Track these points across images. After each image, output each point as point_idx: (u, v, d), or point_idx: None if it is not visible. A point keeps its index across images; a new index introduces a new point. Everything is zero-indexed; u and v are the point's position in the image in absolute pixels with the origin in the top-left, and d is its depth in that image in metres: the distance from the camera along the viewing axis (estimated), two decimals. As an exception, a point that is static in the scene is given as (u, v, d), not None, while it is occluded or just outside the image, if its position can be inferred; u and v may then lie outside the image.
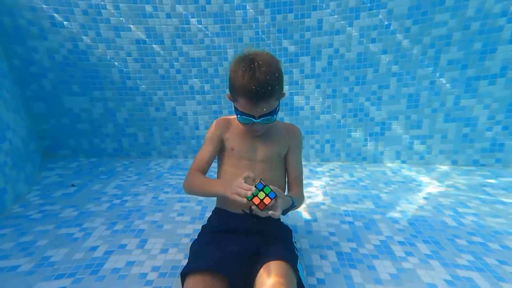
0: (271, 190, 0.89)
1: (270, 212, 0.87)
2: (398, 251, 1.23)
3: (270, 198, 0.88)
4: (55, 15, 1.84)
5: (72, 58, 1.97)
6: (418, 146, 2.15)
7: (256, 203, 0.87)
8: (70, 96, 2.07)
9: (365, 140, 2.21)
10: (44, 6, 1.81)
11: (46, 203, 1.54)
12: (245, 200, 0.86)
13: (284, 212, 0.98)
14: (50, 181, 1.81)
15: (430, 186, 1.84)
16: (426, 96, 2.01)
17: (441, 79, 1.95)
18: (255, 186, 0.88)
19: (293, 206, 1.00)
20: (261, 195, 0.88)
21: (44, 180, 1.82)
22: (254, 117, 0.95)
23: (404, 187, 1.83)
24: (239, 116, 0.98)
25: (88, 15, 1.89)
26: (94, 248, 1.19)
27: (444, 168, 2.10)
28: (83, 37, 1.93)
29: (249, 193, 0.86)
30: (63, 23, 1.88)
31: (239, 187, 0.88)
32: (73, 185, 1.76)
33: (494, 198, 1.66)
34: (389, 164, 2.20)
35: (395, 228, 1.39)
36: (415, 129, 2.11)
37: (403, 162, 2.20)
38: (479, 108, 1.96)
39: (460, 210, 1.55)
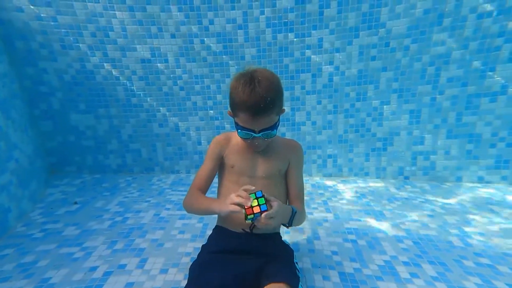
0: (265, 203, 0.89)
1: (263, 216, 0.87)
2: (403, 272, 1.20)
3: (260, 209, 0.88)
4: (65, 37, 1.92)
5: (80, 77, 2.04)
6: (421, 162, 2.13)
7: (247, 212, 0.88)
8: (77, 114, 2.12)
9: (367, 155, 2.20)
10: (55, 30, 1.89)
11: (49, 221, 1.55)
12: (238, 208, 0.87)
13: (285, 222, 0.97)
14: (54, 198, 1.82)
15: (434, 203, 1.81)
16: (427, 112, 2.02)
17: (442, 95, 1.96)
18: (254, 194, 0.89)
19: (294, 213, 0.99)
20: (254, 203, 0.88)
21: (48, 197, 1.84)
22: (254, 132, 0.95)
23: (408, 203, 1.81)
24: (239, 131, 0.98)
25: (96, 37, 1.96)
26: (93, 269, 1.18)
27: (449, 184, 2.07)
28: (91, 57, 2.00)
29: (243, 200, 0.87)
30: (72, 45, 1.95)
31: (236, 196, 0.89)
32: (75, 203, 1.77)
33: (502, 218, 1.62)
34: (392, 180, 2.18)
35: (399, 248, 1.36)
36: (418, 145, 2.11)
37: (406, 178, 2.18)
38: (481, 124, 1.96)
39: (466, 229, 1.52)
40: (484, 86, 1.89)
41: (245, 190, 0.90)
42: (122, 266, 1.21)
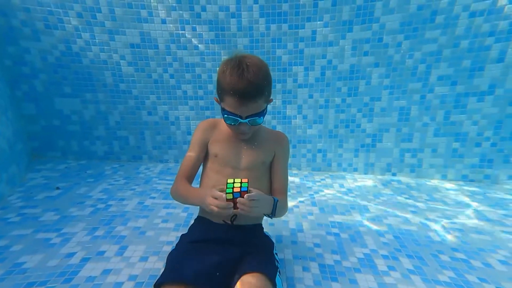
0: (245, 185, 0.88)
1: (245, 196, 0.86)
2: (381, 265, 1.21)
3: (240, 189, 0.87)
4: (49, 16, 1.85)
5: (65, 60, 1.97)
6: (409, 159, 2.16)
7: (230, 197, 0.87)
8: (62, 98, 2.06)
9: (357, 151, 2.21)
10: (38, 7, 1.81)
11: (27, 205, 1.51)
12: (216, 210, 0.86)
13: (267, 211, 0.97)
14: (35, 183, 1.78)
15: (419, 199, 1.83)
16: (417, 109, 2.03)
17: (431, 94, 1.97)
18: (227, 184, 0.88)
19: (275, 203, 0.98)
20: (236, 184, 0.88)
21: (29, 181, 1.79)
22: (241, 117, 0.94)
23: (393, 199, 1.83)
24: (225, 116, 0.96)
25: (83, 18, 1.89)
26: (70, 255, 1.16)
27: (434, 182, 2.11)
28: (77, 39, 1.94)
29: (223, 204, 0.86)
30: (57, 25, 1.88)
31: (212, 196, 0.87)
32: (58, 188, 1.73)
33: (481, 215, 1.66)
34: (380, 176, 2.20)
35: (380, 242, 1.38)
36: (406, 142, 2.12)
37: (394, 174, 2.20)
38: (468, 124, 1.98)
39: (446, 225, 1.54)
40: (472, 86, 1.90)
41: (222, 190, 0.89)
42: (101, 253, 1.19)
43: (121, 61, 2.04)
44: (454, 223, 1.57)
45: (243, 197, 0.87)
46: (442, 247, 1.34)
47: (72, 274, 1.06)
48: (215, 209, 0.86)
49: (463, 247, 1.35)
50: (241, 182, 0.88)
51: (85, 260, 1.14)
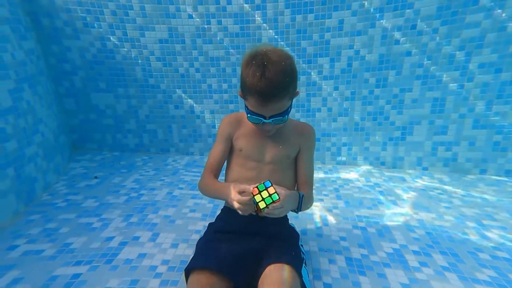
0: (270, 195, 0.86)
1: (270, 207, 0.86)
2: (412, 260, 1.17)
3: (265, 203, 0.85)
4: (87, 15, 1.96)
5: (100, 56, 2.09)
6: (442, 153, 2.04)
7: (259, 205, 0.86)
8: (97, 93, 2.20)
9: (384, 144, 2.13)
10: (78, 7, 1.93)
11: (70, 192, 1.65)
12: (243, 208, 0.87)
13: (294, 208, 0.96)
14: (76, 172, 1.93)
15: (453, 195, 1.74)
16: (452, 100, 1.90)
17: (470, 83, 1.83)
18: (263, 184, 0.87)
19: (301, 198, 0.98)
20: (258, 198, 0.86)
21: (71, 171, 1.95)
22: (264, 117, 0.92)
23: (424, 194, 1.75)
24: (249, 115, 0.96)
25: (116, 15, 1.99)
26: (110, 239, 1.26)
27: (471, 177, 1.97)
28: (111, 36, 2.04)
29: (249, 210, 0.86)
30: (94, 24, 1.99)
31: (238, 202, 0.87)
32: (96, 177, 1.87)
33: (526, 213, 1.53)
34: (410, 171, 2.10)
35: (410, 237, 1.33)
36: (440, 135, 2.00)
37: (425, 169, 2.10)
38: (513, 114, 1.82)
39: (485, 222, 1.45)
40: (520, 73, 1.74)
41: (244, 191, 0.88)
42: (136, 238, 1.27)
43: (150, 56, 2.12)
44: (495, 220, 1.47)
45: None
46: (480, 245, 1.27)
47: (112, 256, 1.15)
48: (238, 206, 0.87)
49: (505, 245, 1.26)
50: (264, 197, 0.86)
51: (123, 244, 1.23)
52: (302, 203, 0.99)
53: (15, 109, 1.44)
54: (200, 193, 1.09)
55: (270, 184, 0.87)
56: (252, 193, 0.86)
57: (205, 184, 1.05)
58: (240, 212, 0.88)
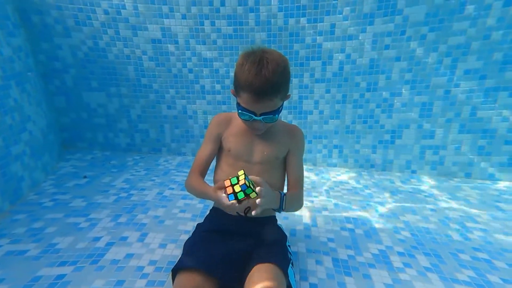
0: (247, 185, 0.85)
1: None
2: (397, 261, 1.20)
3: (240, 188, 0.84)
4: (79, 13, 1.95)
5: (92, 55, 2.07)
6: (430, 156, 2.08)
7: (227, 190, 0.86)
8: (89, 92, 2.18)
9: (374, 147, 2.16)
10: (69, 5, 1.92)
11: (58, 192, 1.63)
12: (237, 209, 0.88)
13: (274, 206, 0.97)
14: (65, 171, 1.91)
15: (439, 198, 1.78)
16: (440, 105, 1.95)
17: (457, 88, 1.88)
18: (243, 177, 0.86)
19: (282, 197, 0.98)
20: (237, 188, 0.85)
21: (60, 170, 1.93)
22: (255, 114, 0.92)
23: (411, 197, 1.78)
24: (240, 111, 0.96)
25: (109, 14, 1.98)
26: (97, 239, 1.25)
27: (457, 180, 2.03)
28: (103, 35, 2.03)
29: (228, 202, 0.86)
30: (85, 22, 1.98)
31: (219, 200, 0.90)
32: (85, 177, 1.85)
33: (507, 215, 1.58)
34: (398, 173, 2.14)
35: (396, 238, 1.36)
36: (428, 139, 2.05)
37: (413, 172, 2.14)
38: (497, 120, 1.88)
39: (468, 224, 1.49)
40: (504, 80, 1.79)
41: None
42: (124, 238, 1.27)
43: (143, 56, 2.11)
44: (477, 222, 1.51)
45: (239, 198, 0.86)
46: (462, 246, 1.31)
47: (98, 256, 1.14)
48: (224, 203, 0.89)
49: (486, 247, 1.30)
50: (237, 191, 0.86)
51: (110, 244, 1.22)
52: (284, 202, 0.99)
53: (1, 106, 1.42)
54: (187, 191, 1.09)
55: (235, 181, 0.86)
56: (225, 185, 0.86)
57: (191, 183, 1.06)
58: (227, 211, 0.88)
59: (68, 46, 2.02)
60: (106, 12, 1.96)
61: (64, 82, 2.13)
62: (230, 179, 0.86)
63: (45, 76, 2.07)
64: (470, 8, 1.71)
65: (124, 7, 1.96)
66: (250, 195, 0.86)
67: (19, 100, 1.59)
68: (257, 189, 0.87)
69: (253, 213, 0.89)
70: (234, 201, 0.85)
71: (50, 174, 1.84)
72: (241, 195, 0.85)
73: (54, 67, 2.07)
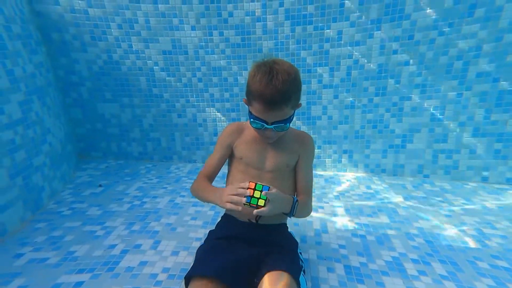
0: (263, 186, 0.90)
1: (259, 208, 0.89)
2: (411, 269, 1.18)
3: (260, 192, 0.89)
4: (95, 29, 2.04)
5: (107, 68, 2.16)
6: (443, 161, 2.04)
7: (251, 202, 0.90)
8: (103, 103, 2.26)
9: (385, 151, 2.14)
10: (86, 22, 2.01)
11: (76, 201, 1.69)
12: (234, 207, 0.89)
13: (286, 210, 0.98)
14: (82, 181, 1.98)
15: (454, 203, 1.73)
16: (452, 109, 1.92)
17: (469, 91, 1.85)
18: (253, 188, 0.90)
19: (295, 202, 1.00)
20: (257, 194, 0.90)
21: (77, 179, 2.00)
22: (266, 123, 0.95)
23: (424, 202, 1.75)
24: (251, 120, 0.98)
25: (122, 29, 2.06)
26: (112, 246, 1.28)
27: (472, 185, 1.97)
28: (117, 49, 2.11)
29: (243, 200, 0.89)
30: (101, 37, 2.07)
31: (232, 194, 0.91)
32: (100, 185, 1.91)
33: (527, 221, 1.53)
34: (410, 178, 2.11)
35: (409, 245, 1.33)
36: (440, 143, 2.01)
37: (426, 176, 2.10)
38: (512, 123, 1.83)
39: (485, 231, 1.45)
40: (518, 82, 1.75)
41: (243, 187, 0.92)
42: (138, 246, 1.30)
43: (154, 67, 2.18)
44: (496, 228, 1.46)
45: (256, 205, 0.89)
46: (480, 254, 1.27)
47: (114, 264, 1.18)
48: (229, 205, 0.90)
49: (505, 255, 1.26)
50: (258, 196, 0.90)
51: (124, 252, 1.25)
52: (295, 207, 1.00)
53: (24, 120, 1.50)
54: (192, 195, 1.11)
55: (267, 189, 0.91)
56: (249, 186, 0.90)
57: (197, 185, 1.08)
58: (228, 206, 0.91)
59: (84, 61, 2.12)
60: (120, 27, 2.05)
61: (80, 94, 2.22)
62: (256, 184, 0.91)
63: (63, 89, 2.17)
64: (480, 11, 1.69)
65: (136, 21, 2.04)
66: (258, 203, 0.89)
67: (40, 113, 1.67)
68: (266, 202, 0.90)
69: (254, 212, 0.89)
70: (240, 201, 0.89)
71: (68, 184, 1.91)
72: (254, 201, 0.89)
73: (71, 80, 2.17)
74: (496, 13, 1.67)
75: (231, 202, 0.91)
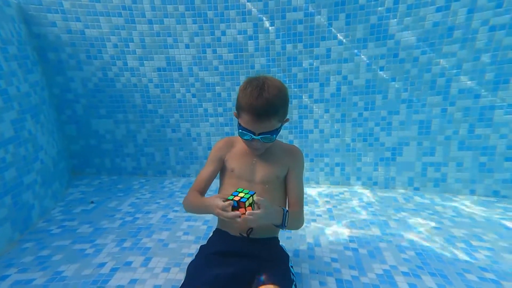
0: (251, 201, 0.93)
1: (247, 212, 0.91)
2: (401, 282, 1.19)
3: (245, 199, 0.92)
4: (91, 48, 2.09)
5: (102, 85, 2.19)
6: (432, 173, 2.09)
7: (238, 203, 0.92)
8: (98, 119, 2.28)
9: (376, 164, 2.18)
10: (82, 41, 2.07)
11: (66, 218, 1.67)
12: (230, 215, 0.91)
13: (277, 222, 0.99)
14: (73, 198, 1.96)
15: (444, 215, 1.76)
16: (438, 123, 1.99)
17: (453, 107, 1.93)
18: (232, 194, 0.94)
19: (285, 213, 1.01)
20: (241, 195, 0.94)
21: (69, 196, 1.98)
22: (254, 134, 1.00)
23: (415, 215, 1.77)
24: (240, 131, 1.03)
25: (118, 48, 2.12)
26: (102, 265, 1.27)
27: (461, 197, 2.01)
28: (112, 66, 2.16)
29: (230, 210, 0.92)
30: (96, 55, 2.12)
31: (220, 208, 0.93)
32: (92, 202, 1.90)
33: (514, 232, 1.56)
34: (401, 190, 2.14)
35: (400, 258, 1.35)
36: (428, 156, 2.07)
37: (416, 189, 2.14)
38: (495, 137, 1.90)
39: (474, 243, 1.47)
40: (498, 98, 1.83)
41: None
42: (129, 263, 1.29)
43: (149, 84, 2.22)
44: (484, 241, 1.49)
45: (242, 207, 0.92)
46: (469, 266, 1.29)
47: (103, 282, 1.16)
48: (220, 212, 0.93)
49: (493, 267, 1.28)
50: (244, 194, 0.95)
51: (114, 270, 1.24)
52: (286, 219, 1.01)
53: (16, 139, 1.50)
54: (184, 210, 1.13)
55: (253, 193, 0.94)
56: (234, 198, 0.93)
57: (190, 199, 1.11)
58: (223, 217, 0.93)
59: (79, 79, 2.16)
60: (115, 46, 2.10)
61: (75, 111, 2.24)
62: (237, 189, 0.95)
63: (58, 107, 2.19)
64: (458, 33, 1.79)
65: (132, 40, 2.11)
66: (246, 202, 0.91)
67: (33, 131, 1.68)
68: (257, 201, 0.93)
69: (246, 213, 0.91)
70: (230, 202, 0.92)
71: (59, 201, 1.89)
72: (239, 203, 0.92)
73: (66, 98, 2.19)
74: (472, 34, 1.77)
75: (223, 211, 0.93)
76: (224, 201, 0.93)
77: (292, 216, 1.05)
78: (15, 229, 1.45)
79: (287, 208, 1.13)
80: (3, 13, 1.57)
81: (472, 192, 2.03)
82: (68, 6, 1.97)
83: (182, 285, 0.95)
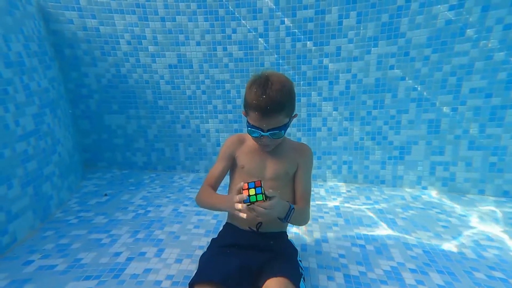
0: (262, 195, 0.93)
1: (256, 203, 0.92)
2: (409, 278, 1.21)
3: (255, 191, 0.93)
4: (105, 45, 2.14)
5: (115, 81, 2.25)
6: (440, 173, 2.08)
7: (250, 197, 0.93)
8: (110, 114, 2.34)
9: (384, 163, 2.19)
10: (97, 38, 2.12)
11: (82, 210, 1.73)
12: (245, 215, 0.92)
13: (281, 216, 1.01)
14: (88, 190, 2.03)
15: (452, 214, 1.77)
16: (447, 122, 1.98)
17: (463, 106, 1.92)
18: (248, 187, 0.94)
19: (291, 209, 1.02)
20: (252, 191, 0.94)
21: (83, 188, 2.05)
22: (262, 130, 1.01)
23: (422, 213, 1.78)
24: (249, 129, 1.05)
25: (131, 45, 2.16)
26: (118, 254, 1.32)
27: (470, 196, 2.01)
28: (125, 63, 2.21)
29: (244, 205, 0.92)
30: (110, 52, 2.17)
31: (237, 203, 0.94)
32: (105, 195, 1.96)
33: (523, 233, 1.55)
34: (409, 189, 2.15)
35: (408, 255, 1.36)
36: (437, 155, 2.06)
37: (424, 188, 2.14)
38: (506, 137, 1.88)
39: (482, 242, 1.48)
40: (510, 98, 1.82)
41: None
42: (142, 254, 1.34)
43: (160, 80, 2.27)
44: (492, 240, 1.49)
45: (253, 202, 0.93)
46: (476, 265, 1.30)
47: (119, 271, 1.21)
48: (239, 213, 0.94)
49: (501, 266, 1.29)
50: (255, 194, 0.95)
51: (129, 259, 1.29)
52: (291, 214, 1.03)
53: (36, 132, 1.57)
54: (197, 205, 1.15)
55: (253, 185, 0.94)
56: (242, 187, 0.94)
57: (203, 195, 1.12)
58: (241, 215, 0.93)
59: (94, 74, 2.21)
60: (128, 43, 2.15)
61: (89, 106, 2.30)
62: (248, 183, 0.95)
63: (73, 102, 2.26)
64: (470, 31, 1.78)
65: (144, 38, 2.15)
66: (260, 198, 0.93)
67: (52, 125, 1.74)
68: (270, 194, 0.95)
69: (256, 204, 0.92)
70: (244, 205, 0.92)
71: (75, 193, 1.96)
72: (253, 198, 0.93)
73: (81, 93, 2.26)
74: (486, 33, 1.76)
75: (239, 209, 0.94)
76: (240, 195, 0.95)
77: (297, 211, 1.07)
78: (36, 218, 1.52)
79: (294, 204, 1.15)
80: (25, 10, 1.63)
81: (481, 192, 2.02)
82: (84, 3, 2.02)
83: (194, 275, 0.99)
